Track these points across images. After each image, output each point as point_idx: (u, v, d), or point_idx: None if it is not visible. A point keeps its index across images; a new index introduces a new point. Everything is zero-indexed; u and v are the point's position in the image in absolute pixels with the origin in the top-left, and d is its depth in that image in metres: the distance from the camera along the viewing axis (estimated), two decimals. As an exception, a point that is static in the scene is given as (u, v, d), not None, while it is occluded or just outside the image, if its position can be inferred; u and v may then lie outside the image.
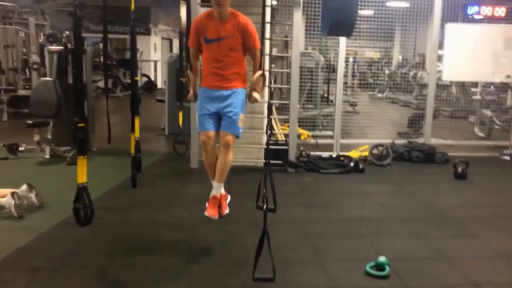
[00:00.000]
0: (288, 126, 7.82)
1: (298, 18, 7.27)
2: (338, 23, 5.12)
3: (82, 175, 3.78)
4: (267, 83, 4.58)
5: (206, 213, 4.43)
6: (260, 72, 4.39)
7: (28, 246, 4.52)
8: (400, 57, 16.12)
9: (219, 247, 4.63)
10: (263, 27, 4.54)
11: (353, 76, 14.19)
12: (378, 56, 17.77)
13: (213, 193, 4.54)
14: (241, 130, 4.50)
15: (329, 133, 8.82)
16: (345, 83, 9.09)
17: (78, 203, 3.84)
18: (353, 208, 5.89)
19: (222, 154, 4.49)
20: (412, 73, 14.50)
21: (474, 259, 4.50)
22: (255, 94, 4.43)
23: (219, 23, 4.35)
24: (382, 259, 4.15)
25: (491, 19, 9.79)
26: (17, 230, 4.96)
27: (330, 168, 7.48)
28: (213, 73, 4.45)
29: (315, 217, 5.50)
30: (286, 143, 7.49)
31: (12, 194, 5.24)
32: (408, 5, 9.30)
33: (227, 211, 4.65)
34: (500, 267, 4.37)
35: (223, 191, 4.63)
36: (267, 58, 6.52)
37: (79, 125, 3.77)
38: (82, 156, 3.78)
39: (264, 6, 4.87)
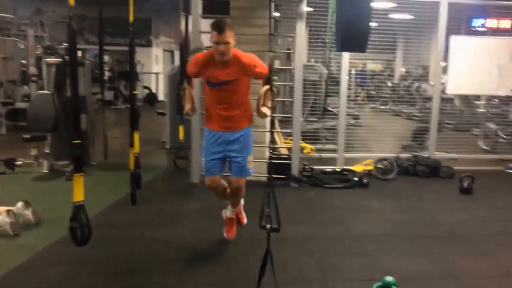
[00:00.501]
0: (291, 140, 7.70)
1: (301, 30, 7.16)
2: (350, 37, 4.90)
3: (78, 193, 3.64)
4: (276, 98, 4.55)
5: (225, 235, 4.80)
6: (267, 87, 4.30)
7: (23, 266, 4.39)
8: (403, 70, 16.05)
9: (221, 266, 4.48)
10: (271, 40, 4.40)
11: (358, 88, 14.06)
12: (381, 69, 17.72)
13: (229, 214, 4.81)
14: (251, 171, 4.52)
15: (333, 146, 8.69)
16: (349, 96, 8.94)
17: (74, 222, 3.69)
18: (359, 224, 5.74)
19: (234, 194, 4.63)
20: (415, 85, 14.41)
21: (484, 279, 4.35)
22: (264, 110, 4.31)
23: (222, 68, 4.22)
24: (389, 279, 3.98)
25: (495, 32, 9.67)
26: (12, 248, 4.82)
27: (334, 183, 7.34)
28: (217, 115, 4.39)
29: (320, 234, 5.36)
30: (289, 158, 7.35)
31: (8, 211, 5.11)
32: (411, 17, 9.21)
33: (245, 220, 4.97)
34: (511, 287, 4.24)
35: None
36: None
37: (75, 141, 3.63)
38: (78, 174, 3.64)
39: (270, 18, 4.73)
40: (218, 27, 4.01)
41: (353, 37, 4.91)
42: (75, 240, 3.71)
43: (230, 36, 4.05)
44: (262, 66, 4.34)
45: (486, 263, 4.67)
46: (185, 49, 7.36)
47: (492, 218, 6.12)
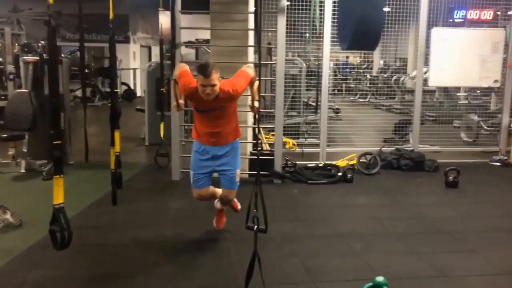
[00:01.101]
0: (272, 135, 7.55)
1: (282, 24, 7.00)
2: (363, 34, 4.70)
3: (58, 195, 3.46)
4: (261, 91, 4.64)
5: (215, 225, 5.01)
6: (257, 83, 4.51)
7: (1, 271, 4.19)
8: (382, 62, 16.00)
9: (205, 268, 4.30)
10: (260, 34, 4.38)
11: (337, 80, 13.99)
12: (358, 61, 17.69)
13: (219, 206, 4.95)
14: (238, 184, 4.65)
15: (315, 141, 8.57)
16: (332, 90, 8.83)
17: (54, 225, 3.51)
18: (345, 222, 5.60)
19: (224, 202, 4.85)
20: (394, 78, 14.36)
21: (475, 277, 4.23)
22: (257, 104, 4.52)
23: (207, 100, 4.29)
24: (380, 279, 3.86)
25: (473, 23, 9.63)
26: (-11, 253, 4.61)
27: (318, 179, 7.20)
28: (205, 133, 4.50)
29: (306, 233, 5.21)
30: (271, 153, 7.20)
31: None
32: (389, 9, 9.11)
33: (239, 206, 5.11)
34: (502, 285, 4.14)
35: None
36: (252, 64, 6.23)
37: (55, 142, 3.45)
38: (58, 176, 3.46)
39: (260, 14, 4.59)
40: (204, 72, 4.10)
41: (367, 35, 4.73)
42: (55, 244, 3.55)
43: (215, 79, 4.16)
44: (244, 81, 4.44)
45: (476, 261, 4.55)
46: (164, 45, 7.21)
47: (479, 213, 6.01)
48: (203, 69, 4.12)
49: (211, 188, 4.72)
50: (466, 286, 4.06)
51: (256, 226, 3.70)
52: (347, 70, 16.09)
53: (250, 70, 4.55)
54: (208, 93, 4.16)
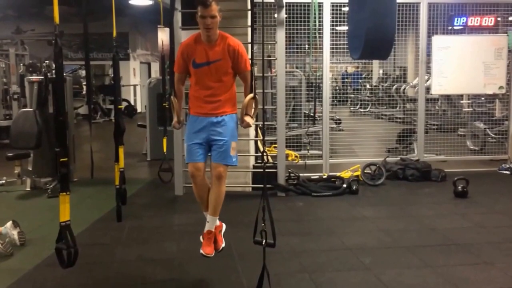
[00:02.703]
0: (274, 148, 7.45)
1: (282, 37, 6.94)
2: (375, 44, 4.56)
3: (64, 212, 3.39)
4: (259, 106, 4.32)
5: (202, 251, 4.09)
6: (251, 95, 4.13)
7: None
8: (381, 71, 15.93)
9: (213, 285, 4.19)
10: (252, 48, 4.20)
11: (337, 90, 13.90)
12: (357, 70, 17.62)
13: (207, 227, 4.19)
14: (234, 159, 4.21)
15: (317, 153, 8.46)
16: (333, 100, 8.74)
17: (60, 243, 3.43)
18: (353, 235, 5.43)
19: (214, 187, 4.16)
20: (394, 87, 14.27)
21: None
22: (248, 119, 4.15)
23: (208, 47, 4.11)
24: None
25: (474, 29, 9.55)
26: (-4, 272, 4.50)
27: (322, 191, 7.06)
28: (201, 100, 4.19)
29: (313, 246, 5.05)
30: (274, 166, 7.08)
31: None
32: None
33: (223, 245, 4.30)
34: None
35: (217, 223, 4.26)
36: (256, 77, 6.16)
37: (61, 159, 3.38)
38: (64, 193, 3.38)
39: (263, 26, 4.49)
40: (204, 1, 3.94)
41: (378, 43, 4.59)
42: (62, 262, 3.46)
43: (216, 10, 3.98)
44: (247, 59, 4.23)
45: (493, 274, 4.37)
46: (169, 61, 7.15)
47: (492, 223, 5.81)
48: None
49: (207, 181, 4.31)
50: None
51: (264, 241, 3.59)
52: (356, 80, 16.04)
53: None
54: (208, 25, 3.96)
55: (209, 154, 4.25)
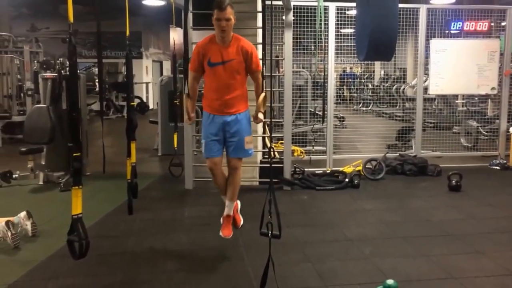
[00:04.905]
0: (281, 144, 7.45)
1: (289, 38, 6.94)
2: (379, 46, 4.56)
3: (76, 205, 3.37)
4: (268, 103, 4.39)
5: (221, 233, 4.40)
6: (263, 94, 4.29)
7: (20, 282, 4.08)
8: (382, 72, 15.93)
9: (220, 275, 4.20)
10: (264, 48, 4.24)
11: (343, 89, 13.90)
12: (360, 72, 17.62)
13: (226, 212, 4.48)
14: (250, 151, 4.44)
15: (321, 148, 8.47)
16: (338, 98, 8.73)
17: (72, 235, 3.42)
18: (354, 226, 5.46)
19: (231, 177, 4.43)
20: (395, 87, 14.27)
21: (484, 278, 4.10)
22: (261, 116, 4.35)
23: (222, 47, 4.22)
24: (390, 282, 3.75)
25: (470, 34, 9.54)
26: (9, 263, 4.52)
27: (326, 185, 7.08)
28: (216, 98, 4.32)
29: (316, 237, 5.08)
30: (280, 161, 7.09)
31: (7, 223, 4.81)
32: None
33: (241, 222, 4.63)
34: (510, 285, 4.01)
35: (234, 205, 4.55)
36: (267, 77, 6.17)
37: (74, 154, 3.37)
38: (77, 186, 3.37)
39: (267, 27, 4.50)
40: (219, 5, 4.06)
41: (382, 45, 4.59)
42: (73, 254, 3.45)
43: (230, 13, 4.11)
44: (258, 60, 4.37)
45: (485, 263, 4.41)
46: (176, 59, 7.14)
47: (484, 215, 5.86)
48: (218, 2, 4.07)
49: (224, 171, 4.53)
50: (477, 287, 3.94)
51: (270, 232, 3.60)
52: (353, 80, 16.04)
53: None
54: (223, 27, 4.08)
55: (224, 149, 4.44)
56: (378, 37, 4.45)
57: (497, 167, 8.44)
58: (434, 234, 5.19)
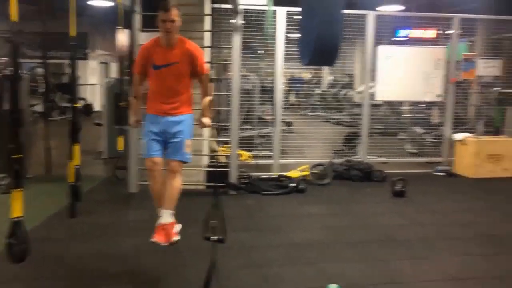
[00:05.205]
0: (227, 148, 7.45)
1: (237, 41, 6.95)
2: (322, 52, 4.61)
3: (17, 208, 3.30)
4: (214, 107, 4.35)
5: (152, 239, 3.98)
6: (209, 98, 4.29)
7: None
8: (331, 78, 16.13)
9: (163, 280, 4.15)
10: (210, 51, 4.24)
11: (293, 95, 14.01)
12: (309, 77, 17.78)
13: (160, 221, 4.09)
14: (188, 156, 4.26)
15: (268, 153, 8.50)
16: (285, 103, 8.75)
17: (11, 238, 3.33)
18: (299, 231, 5.49)
19: (169, 181, 4.17)
20: (342, 92, 14.47)
21: (427, 283, 4.21)
22: (205, 120, 4.32)
23: (167, 50, 4.17)
24: (333, 286, 3.81)
25: (417, 41, 9.81)
26: None
27: (272, 189, 7.11)
28: (160, 100, 4.23)
29: (262, 242, 5.09)
30: (227, 165, 7.09)
31: None
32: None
33: (176, 237, 4.13)
34: None
35: (171, 219, 4.15)
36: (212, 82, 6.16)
37: (15, 156, 3.28)
38: (17, 189, 3.28)
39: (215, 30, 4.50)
40: (164, 6, 4.05)
41: (325, 51, 4.64)
42: (12, 257, 3.36)
43: (176, 15, 4.08)
44: (203, 63, 4.33)
45: (427, 268, 4.52)
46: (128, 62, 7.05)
47: (427, 221, 6.00)
48: (163, 4, 4.05)
49: (163, 176, 4.28)
50: None
51: (213, 236, 3.59)
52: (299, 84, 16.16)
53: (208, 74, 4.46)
54: (168, 28, 4.05)
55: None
56: (322, 43, 4.51)
57: (441, 174, 8.64)
58: (378, 239, 5.27)
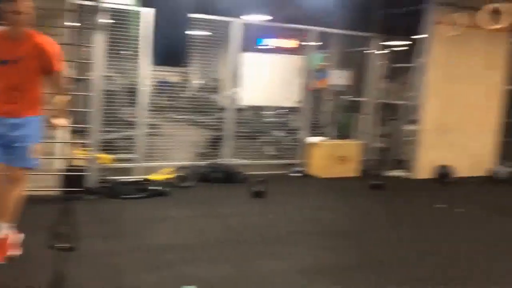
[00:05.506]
0: (86, 151, 7.05)
1: (100, 40, 6.63)
2: (171, 52, 4.51)
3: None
4: (72, 108, 4.04)
5: None
6: (62, 97, 3.96)
7: None
8: (199, 82, 16.07)
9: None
10: (70, 49, 3.92)
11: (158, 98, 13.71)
12: (177, 80, 17.57)
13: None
14: (34, 161, 3.88)
15: (132, 156, 8.20)
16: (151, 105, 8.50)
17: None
18: (160, 235, 5.37)
19: (8, 190, 3.79)
20: (209, 97, 14.44)
21: (279, 278, 4.31)
22: (58, 121, 3.95)
23: (14, 44, 3.77)
24: (189, 288, 3.74)
25: (281, 50, 10.05)
26: None
27: (133, 193, 6.85)
28: (3, 100, 3.81)
29: (119, 248, 4.86)
30: (84, 169, 6.69)
31: None
32: (206, 33, 9.14)
33: (14, 252, 3.85)
34: (299, 281, 4.29)
35: (8, 232, 3.83)
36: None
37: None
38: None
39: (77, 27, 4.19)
40: None
41: (173, 53, 4.54)
42: None
43: (25, 6, 3.70)
44: (56, 59, 3.93)
45: (282, 263, 4.66)
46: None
47: (283, 219, 6.20)
48: None
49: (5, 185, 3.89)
50: (274, 286, 4.16)
51: (59, 244, 3.31)
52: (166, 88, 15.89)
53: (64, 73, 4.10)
54: (15, 20, 3.69)
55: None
56: (171, 45, 4.46)
57: (297, 174, 9.00)
58: (237, 239, 5.33)
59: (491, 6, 7.20)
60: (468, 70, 9.51)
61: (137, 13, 7.34)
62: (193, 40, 8.53)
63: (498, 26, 7.20)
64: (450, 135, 9.47)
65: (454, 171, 9.20)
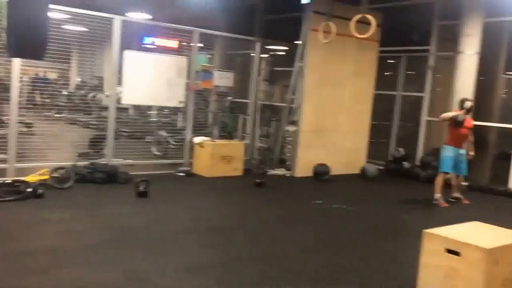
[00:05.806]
0: None
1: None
2: (27, 43, 4.12)
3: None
4: None
5: None
6: None
7: None
8: (79, 79, 15.37)
9: None
10: None
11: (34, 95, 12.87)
12: (55, 77, 16.70)
13: None
14: None
15: (3, 156, 7.56)
16: (21, 103, 7.90)
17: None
18: (35, 239, 4.98)
19: None
20: (91, 95, 13.85)
21: (162, 277, 4.19)
22: None
23: None
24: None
25: (165, 50, 9.85)
26: None
27: (4, 196, 6.30)
28: None
29: (-10, 253, 4.46)
30: None
31: None
32: (86, 29, 8.72)
33: None
34: (186, 278, 4.24)
35: None
36: None
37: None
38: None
39: None
40: None
41: (28, 43, 4.18)
42: None
43: None
44: None
45: (165, 262, 4.55)
46: None
47: (168, 219, 6.11)
48: None
49: None
50: (157, 286, 4.04)
51: None
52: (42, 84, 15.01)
53: None
54: None
55: None
56: (28, 34, 4.17)
57: (182, 174, 8.89)
58: (120, 240, 5.13)
59: (359, 15, 7.52)
60: (341, 75, 9.94)
61: (4, 3, 6.79)
62: (71, 35, 8.11)
63: (366, 35, 7.53)
64: (326, 136, 9.84)
65: (330, 170, 9.52)
